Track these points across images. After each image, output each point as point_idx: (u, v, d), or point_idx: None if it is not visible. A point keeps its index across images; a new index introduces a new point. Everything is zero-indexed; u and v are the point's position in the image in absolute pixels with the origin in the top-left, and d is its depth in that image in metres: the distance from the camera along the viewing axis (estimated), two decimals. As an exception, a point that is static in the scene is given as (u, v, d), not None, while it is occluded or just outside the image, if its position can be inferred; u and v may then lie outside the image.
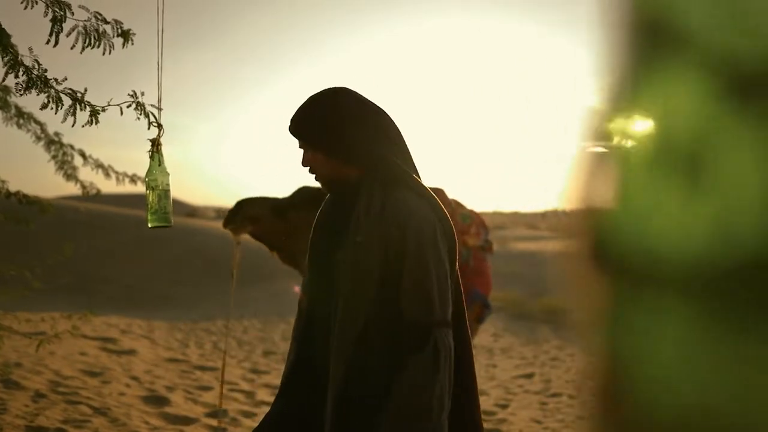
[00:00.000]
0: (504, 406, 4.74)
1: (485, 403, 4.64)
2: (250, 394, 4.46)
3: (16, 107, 2.67)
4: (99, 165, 2.77)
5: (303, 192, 2.32)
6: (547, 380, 5.74)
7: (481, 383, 5.34)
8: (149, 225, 1.37)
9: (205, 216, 31.36)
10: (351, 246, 1.20)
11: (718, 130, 0.21)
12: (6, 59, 1.29)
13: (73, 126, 1.35)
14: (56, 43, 1.34)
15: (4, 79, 1.31)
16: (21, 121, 2.63)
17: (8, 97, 2.45)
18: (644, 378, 0.21)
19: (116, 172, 2.78)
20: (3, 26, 1.28)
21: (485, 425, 2.72)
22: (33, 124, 2.70)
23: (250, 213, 2.28)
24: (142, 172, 2.61)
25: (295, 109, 1.30)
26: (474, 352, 5.34)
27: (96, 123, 1.37)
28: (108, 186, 3.26)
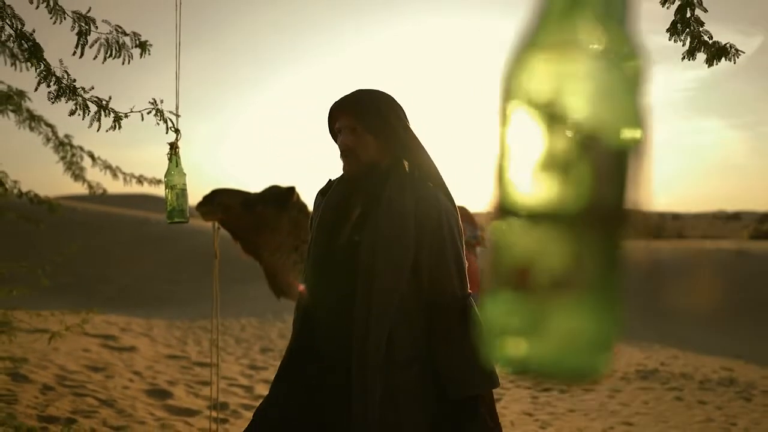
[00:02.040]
0: (497, 401, 4.87)
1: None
2: (249, 389, 4.58)
3: (28, 110, 2.78)
4: (107, 166, 2.88)
5: (273, 190, 2.47)
6: (539, 376, 5.89)
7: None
8: (168, 221, 1.49)
9: (201, 216, 31.30)
10: (384, 227, 1.29)
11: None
12: (39, 71, 1.42)
13: (98, 131, 1.47)
14: (82, 54, 1.47)
15: (36, 89, 1.44)
16: (33, 123, 2.74)
17: (22, 102, 2.56)
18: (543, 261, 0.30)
19: (123, 173, 2.89)
20: (37, 41, 1.41)
21: None
22: (44, 127, 2.82)
23: (223, 201, 2.42)
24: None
25: (347, 95, 1.40)
26: None
27: (119, 128, 1.50)
28: (109, 186, 3.38)
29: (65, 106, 1.61)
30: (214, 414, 3.53)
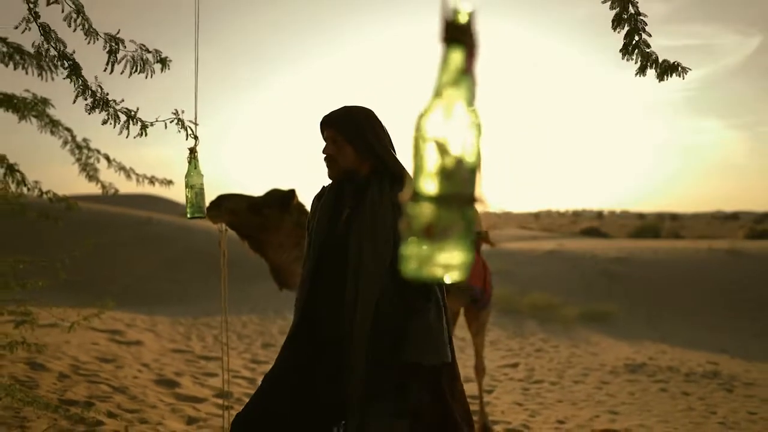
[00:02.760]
0: (489, 392, 5.07)
1: (471, 388, 4.96)
2: (251, 380, 4.79)
3: (48, 116, 2.99)
4: (121, 167, 3.08)
5: (275, 193, 2.70)
6: (531, 369, 6.09)
7: (469, 372, 5.68)
8: (188, 216, 1.70)
9: (201, 216, 31.46)
10: (368, 224, 1.52)
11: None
12: (78, 86, 1.62)
13: (127, 137, 1.68)
14: (111, 70, 1.67)
15: (74, 101, 1.64)
16: (53, 128, 2.95)
17: (46, 108, 2.77)
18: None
19: (136, 174, 3.09)
20: (76, 60, 1.61)
21: (470, 407, 3.09)
22: (63, 131, 3.02)
23: (230, 206, 2.64)
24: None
25: (333, 110, 1.63)
26: (463, 344, 5.72)
27: (145, 135, 1.71)
28: (121, 186, 3.55)
29: (77, 110, 1.82)
30: (223, 402, 3.74)
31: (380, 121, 1.65)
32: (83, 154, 3.21)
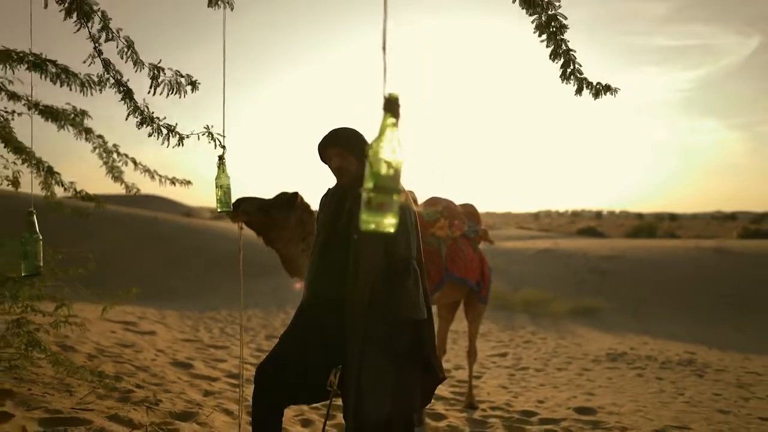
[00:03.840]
0: (477, 377, 5.48)
1: (462, 374, 5.38)
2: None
3: (83, 125, 3.39)
4: (146, 170, 3.48)
5: (282, 196, 3.11)
6: (518, 358, 6.51)
7: (460, 360, 6.09)
8: (218, 210, 2.11)
9: (200, 216, 31.86)
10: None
11: None
12: (130, 107, 2.02)
13: (168, 147, 2.08)
14: (154, 93, 2.08)
15: (126, 118, 2.04)
16: (87, 136, 3.35)
17: (84, 120, 3.17)
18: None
19: (159, 176, 3.49)
20: (129, 87, 2.01)
21: (461, 390, 3.44)
22: (96, 138, 3.42)
23: (245, 208, 3.06)
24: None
25: (330, 132, 2.05)
26: (456, 336, 6.22)
27: (182, 145, 2.11)
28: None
29: (103, 112, 2.21)
30: (235, 382, 4.14)
31: (366, 139, 2.06)
32: (110, 157, 3.62)
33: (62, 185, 3.43)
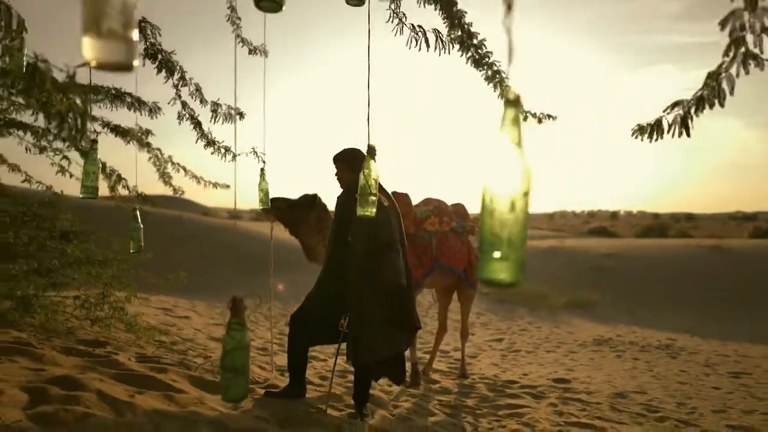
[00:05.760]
0: (473, 357, 6.20)
1: (457, 355, 6.10)
2: (281, 345, 5.99)
3: (147, 141, 4.19)
4: (194, 176, 4.27)
5: (305, 197, 3.88)
6: (513, 343, 7.21)
7: (458, 343, 6.80)
8: (260, 208, 2.89)
9: (218, 215, 32.85)
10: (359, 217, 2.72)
11: None
12: (199, 134, 2.80)
13: (225, 162, 2.86)
14: (214, 122, 2.86)
15: (196, 141, 2.82)
16: (148, 149, 4.16)
17: (148, 138, 3.98)
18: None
19: (204, 180, 4.28)
20: (200, 119, 2.79)
21: (456, 366, 4.15)
22: (154, 150, 4.23)
23: (276, 206, 3.84)
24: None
25: (340, 150, 2.82)
26: (457, 325, 7.03)
27: (235, 161, 2.89)
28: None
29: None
30: (265, 357, 4.92)
31: (361, 155, 2.81)
32: (162, 165, 4.42)
33: (128, 189, 4.24)
